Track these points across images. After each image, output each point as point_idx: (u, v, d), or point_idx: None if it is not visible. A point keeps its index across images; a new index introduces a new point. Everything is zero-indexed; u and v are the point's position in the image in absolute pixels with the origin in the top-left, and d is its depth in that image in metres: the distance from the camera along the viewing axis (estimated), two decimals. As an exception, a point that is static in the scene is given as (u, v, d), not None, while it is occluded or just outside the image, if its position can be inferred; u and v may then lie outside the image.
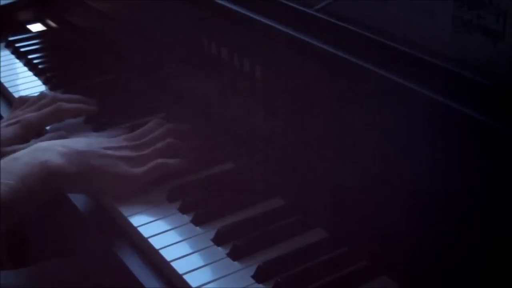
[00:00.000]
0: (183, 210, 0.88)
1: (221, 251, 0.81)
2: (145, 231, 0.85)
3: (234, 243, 0.81)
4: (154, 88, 1.17)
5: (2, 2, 1.48)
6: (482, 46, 0.72)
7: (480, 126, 0.65)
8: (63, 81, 1.26)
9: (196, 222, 0.86)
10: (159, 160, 0.92)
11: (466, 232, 0.69)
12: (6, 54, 1.39)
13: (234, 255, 0.80)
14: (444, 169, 0.70)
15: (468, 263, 0.69)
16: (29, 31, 1.49)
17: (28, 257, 1.38)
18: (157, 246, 0.82)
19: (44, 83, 1.27)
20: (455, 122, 0.67)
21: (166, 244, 0.83)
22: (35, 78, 1.29)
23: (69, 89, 1.19)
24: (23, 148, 0.91)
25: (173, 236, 0.84)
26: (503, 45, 0.70)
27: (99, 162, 0.89)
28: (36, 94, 1.14)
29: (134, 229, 0.86)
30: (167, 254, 0.81)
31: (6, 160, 0.85)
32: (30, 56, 1.35)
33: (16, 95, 1.21)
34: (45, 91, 1.21)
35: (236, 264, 0.80)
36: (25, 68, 1.33)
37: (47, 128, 1.09)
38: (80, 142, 0.92)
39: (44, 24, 1.51)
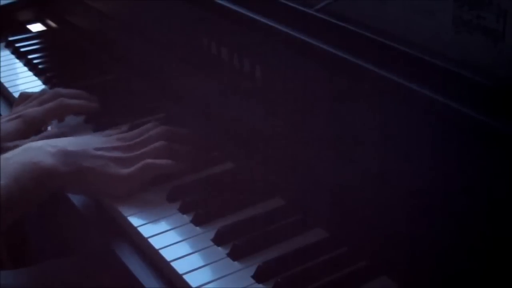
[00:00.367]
0: (183, 210, 0.88)
1: (221, 251, 0.81)
2: (145, 231, 0.85)
3: (234, 243, 0.81)
4: (154, 88, 1.17)
5: (2, 2, 1.48)
6: (482, 46, 0.72)
7: (480, 126, 0.65)
8: (63, 81, 1.26)
9: (196, 222, 0.86)
10: (148, 161, 0.92)
11: (466, 232, 0.69)
12: (6, 54, 1.39)
13: (234, 255, 0.80)
14: (444, 169, 0.70)
15: (468, 263, 0.69)
16: (29, 31, 1.49)
17: (28, 257, 1.38)
18: (157, 246, 0.82)
19: (44, 83, 1.27)
20: (455, 122, 0.67)
21: (166, 244, 0.83)
22: (35, 78, 1.29)
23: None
24: (24, 143, 0.91)
25: (173, 236, 0.84)
26: (503, 45, 0.70)
27: (89, 163, 0.89)
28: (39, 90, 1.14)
29: (134, 229, 0.86)
30: (167, 254, 0.81)
31: None
32: (30, 56, 1.35)
33: (16, 95, 1.21)
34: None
35: (236, 264, 0.80)
36: (25, 68, 1.33)
37: (48, 128, 1.09)
38: (71, 142, 0.91)
39: (44, 24, 1.51)
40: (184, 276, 0.78)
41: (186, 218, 0.87)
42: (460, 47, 0.74)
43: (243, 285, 0.76)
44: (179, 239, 0.84)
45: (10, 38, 1.43)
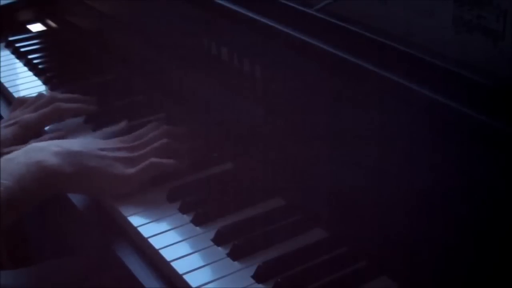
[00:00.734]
0: (183, 210, 0.88)
1: (221, 251, 0.81)
2: (145, 231, 0.85)
3: (234, 243, 0.81)
4: (154, 88, 1.17)
5: (2, 2, 1.48)
6: (482, 46, 0.72)
7: (480, 126, 0.65)
8: (63, 81, 1.26)
9: (196, 222, 0.86)
10: (152, 160, 0.92)
11: (466, 232, 0.69)
12: (6, 54, 1.39)
13: (234, 255, 0.80)
14: (443, 169, 0.70)
15: (468, 263, 0.69)
16: (29, 31, 1.49)
17: (28, 257, 1.38)
18: (157, 246, 0.82)
19: (44, 83, 1.27)
20: (455, 122, 0.67)
21: (166, 244, 0.83)
22: (35, 78, 1.29)
23: (69, 89, 1.19)
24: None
25: (173, 236, 0.84)
26: (503, 45, 0.70)
27: (94, 163, 0.89)
28: (36, 94, 1.14)
29: (134, 229, 0.86)
30: (167, 254, 0.81)
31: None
32: (30, 56, 1.35)
33: (16, 95, 1.21)
34: (45, 91, 1.21)
35: (236, 264, 0.80)
36: (25, 68, 1.33)
37: (46, 128, 1.09)
38: (75, 143, 0.92)
39: (44, 24, 1.51)
40: (184, 276, 0.78)
41: (186, 218, 0.87)
42: (460, 47, 0.74)
43: (243, 285, 0.76)
44: (179, 239, 0.84)
45: (10, 38, 1.43)
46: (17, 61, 1.36)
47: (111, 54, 1.31)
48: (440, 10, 0.76)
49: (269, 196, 0.90)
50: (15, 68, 1.34)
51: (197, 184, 0.94)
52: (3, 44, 1.42)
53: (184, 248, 0.82)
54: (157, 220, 0.87)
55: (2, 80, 1.27)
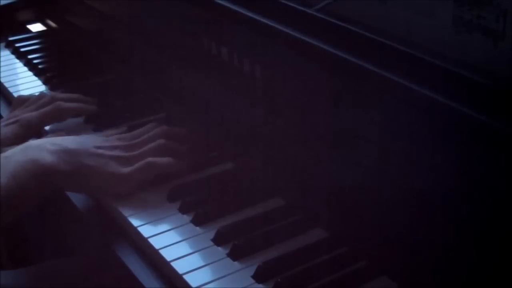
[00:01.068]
0: (183, 210, 0.88)
1: (221, 251, 0.81)
2: (145, 231, 0.85)
3: (234, 243, 0.81)
4: (154, 88, 1.17)
5: (2, 2, 1.49)
6: (482, 46, 0.72)
7: (480, 126, 0.65)
8: (63, 81, 1.26)
9: (196, 222, 0.86)
10: (149, 159, 0.92)
11: (466, 232, 0.69)
12: (6, 54, 1.39)
13: (234, 255, 0.80)
14: (443, 169, 0.70)
15: (468, 263, 0.69)
16: (29, 31, 1.49)
17: (28, 257, 1.38)
18: (157, 246, 0.82)
19: (44, 83, 1.27)
20: (455, 122, 0.67)
21: (166, 244, 0.83)
22: (35, 78, 1.29)
23: (69, 89, 1.19)
24: None
25: (173, 236, 0.84)
26: (503, 45, 0.70)
27: (89, 161, 0.89)
28: (36, 94, 1.14)
29: (134, 229, 0.86)
30: (167, 254, 0.81)
31: None
32: (30, 56, 1.35)
33: (16, 95, 1.21)
34: (45, 91, 1.21)
35: (236, 264, 0.80)
36: (25, 68, 1.33)
37: (47, 128, 1.09)
38: (71, 141, 0.91)
39: (44, 24, 1.51)
40: (184, 276, 0.78)
41: (186, 218, 0.87)
42: (460, 47, 0.74)
43: (243, 285, 0.76)
44: (179, 239, 0.84)
45: (10, 38, 1.43)
46: (17, 61, 1.36)
47: (111, 54, 1.31)
48: (440, 10, 0.76)
49: (269, 196, 0.90)
50: (15, 68, 1.34)
51: (197, 184, 0.94)
52: (3, 44, 1.42)
53: (184, 248, 0.82)
54: (157, 220, 0.87)
55: (2, 80, 1.27)
